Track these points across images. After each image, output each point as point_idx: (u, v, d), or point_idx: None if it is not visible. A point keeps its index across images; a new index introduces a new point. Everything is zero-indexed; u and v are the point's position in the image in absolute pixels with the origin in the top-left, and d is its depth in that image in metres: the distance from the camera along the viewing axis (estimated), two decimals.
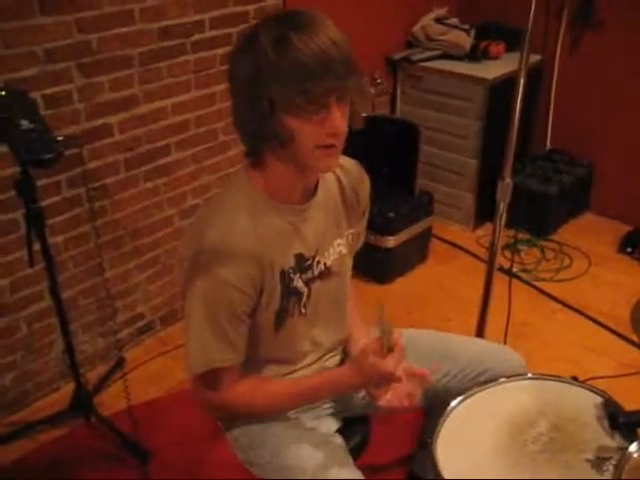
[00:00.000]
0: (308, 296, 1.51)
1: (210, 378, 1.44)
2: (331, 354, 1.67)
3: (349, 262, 1.64)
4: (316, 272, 1.51)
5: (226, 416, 1.62)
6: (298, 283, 1.48)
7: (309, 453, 1.51)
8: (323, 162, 1.35)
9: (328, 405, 1.66)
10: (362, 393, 1.69)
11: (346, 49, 1.27)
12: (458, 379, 1.69)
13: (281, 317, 1.49)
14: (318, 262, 1.51)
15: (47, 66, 2.30)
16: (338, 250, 1.56)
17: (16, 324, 2.49)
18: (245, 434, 1.60)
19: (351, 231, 1.61)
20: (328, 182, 1.54)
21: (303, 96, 1.25)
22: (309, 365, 1.62)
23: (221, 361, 1.41)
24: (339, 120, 1.29)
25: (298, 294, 1.49)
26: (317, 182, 1.50)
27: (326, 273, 1.54)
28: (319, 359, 1.64)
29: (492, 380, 1.63)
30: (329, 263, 1.54)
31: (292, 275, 1.46)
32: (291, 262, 1.46)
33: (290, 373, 1.59)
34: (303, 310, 1.52)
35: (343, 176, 1.58)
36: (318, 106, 1.27)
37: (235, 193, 1.43)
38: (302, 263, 1.48)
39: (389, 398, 1.42)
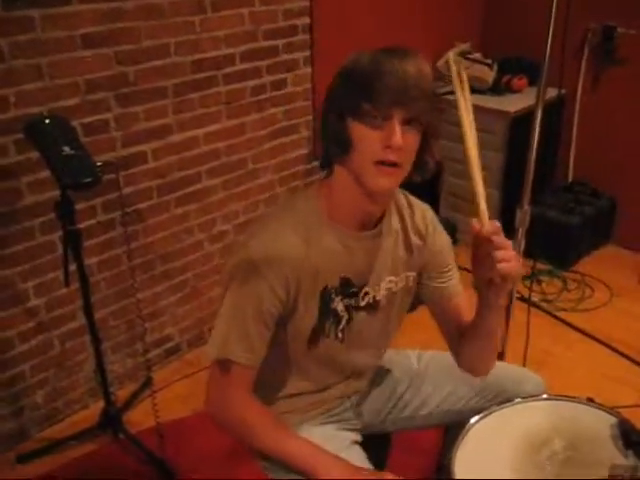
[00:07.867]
0: (348, 323, 1.51)
1: (221, 369, 1.44)
2: (361, 378, 1.68)
3: (405, 300, 1.63)
4: (362, 303, 1.51)
5: (222, 423, 1.53)
6: (338, 306, 1.47)
7: None
8: (378, 179, 1.35)
9: (347, 419, 1.68)
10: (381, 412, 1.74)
11: (425, 77, 1.32)
12: (477, 400, 1.71)
13: (316, 335, 1.48)
14: (366, 293, 1.51)
15: (87, 96, 2.41)
16: (389, 287, 1.55)
17: (49, 342, 2.57)
18: None
19: (411, 274, 1.59)
20: (392, 221, 1.54)
21: (369, 101, 1.29)
22: (336, 384, 1.62)
23: (236, 356, 1.41)
24: (397, 135, 1.30)
25: (337, 317, 1.48)
26: (382, 218, 1.50)
27: (374, 306, 1.53)
28: (347, 379, 1.64)
29: (509, 401, 1.64)
30: (378, 297, 1.54)
31: (333, 296, 1.46)
32: (335, 282, 1.45)
33: (317, 392, 1.60)
34: (340, 335, 1.51)
35: (409, 218, 1.58)
36: (380, 114, 1.30)
37: (295, 203, 1.48)
38: (347, 288, 1.47)
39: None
